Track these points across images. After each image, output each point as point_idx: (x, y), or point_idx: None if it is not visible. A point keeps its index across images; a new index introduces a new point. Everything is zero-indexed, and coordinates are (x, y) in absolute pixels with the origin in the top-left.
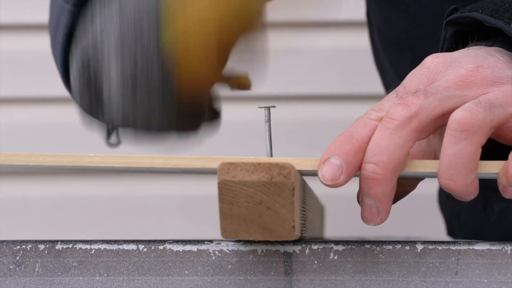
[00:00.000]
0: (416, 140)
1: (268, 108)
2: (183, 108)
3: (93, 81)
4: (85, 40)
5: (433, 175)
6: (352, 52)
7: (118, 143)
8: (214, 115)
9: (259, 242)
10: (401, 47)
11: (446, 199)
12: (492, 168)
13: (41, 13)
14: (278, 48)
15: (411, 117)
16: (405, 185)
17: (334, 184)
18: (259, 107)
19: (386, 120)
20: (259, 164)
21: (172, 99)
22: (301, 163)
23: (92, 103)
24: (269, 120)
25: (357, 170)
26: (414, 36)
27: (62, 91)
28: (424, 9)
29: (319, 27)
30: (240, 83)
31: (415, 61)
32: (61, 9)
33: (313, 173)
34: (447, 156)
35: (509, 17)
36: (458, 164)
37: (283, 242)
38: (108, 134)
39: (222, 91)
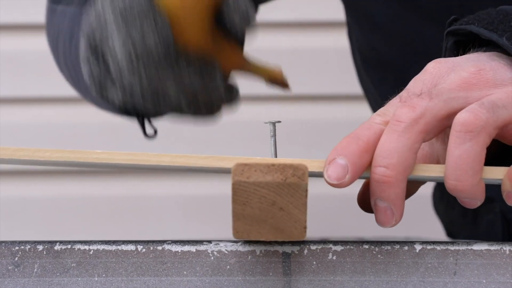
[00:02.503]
0: (422, 142)
1: (274, 124)
2: (189, 61)
3: (99, 50)
4: (90, 15)
5: (439, 179)
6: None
7: (155, 133)
8: (231, 91)
9: (257, 242)
10: (383, 69)
11: (439, 205)
12: (496, 173)
13: (41, 13)
14: (278, 48)
15: (418, 119)
16: (408, 189)
17: (339, 184)
18: (265, 123)
19: (393, 122)
20: (273, 165)
21: (170, 44)
22: (308, 165)
23: (101, 75)
24: (274, 135)
25: (362, 171)
26: (396, 60)
27: (62, 91)
28: (406, 34)
29: (319, 27)
30: (272, 76)
31: (397, 83)
32: (76, 18)
33: (320, 175)
34: (453, 157)
35: (503, 29)
36: (464, 165)
37: (282, 242)
38: (143, 127)
39: (257, 83)
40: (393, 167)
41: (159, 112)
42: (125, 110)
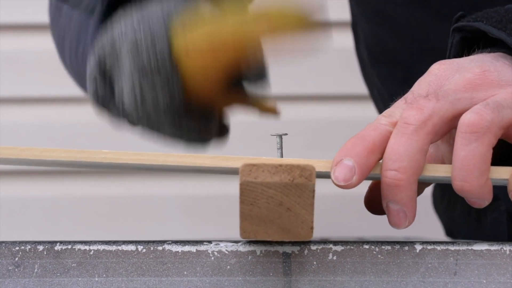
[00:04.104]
0: (430, 143)
1: (280, 136)
2: (190, 110)
3: (108, 74)
4: (104, 38)
5: (446, 179)
6: (352, 52)
7: None
8: (222, 131)
9: (258, 242)
10: (390, 65)
11: (440, 204)
12: (502, 173)
13: (41, 13)
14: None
15: (426, 120)
16: None
17: (347, 185)
18: (271, 135)
19: (401, 125)
20: (280, 165)
21: (178, 98)
22: (315, 165)
23: (106, 96)
24: (281, 147)
25: (369, 171)
26: (405, 56)
27: (62, 91)
28: (414, 30)
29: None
30: (265, 108)
31: (404, 79)
32: (83, 24)
33: (326, 175)
34: (459, 158)
35: None
36: (471, 165)
37: (282, 243)
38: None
39: (248, 114)
40: (404, 170)
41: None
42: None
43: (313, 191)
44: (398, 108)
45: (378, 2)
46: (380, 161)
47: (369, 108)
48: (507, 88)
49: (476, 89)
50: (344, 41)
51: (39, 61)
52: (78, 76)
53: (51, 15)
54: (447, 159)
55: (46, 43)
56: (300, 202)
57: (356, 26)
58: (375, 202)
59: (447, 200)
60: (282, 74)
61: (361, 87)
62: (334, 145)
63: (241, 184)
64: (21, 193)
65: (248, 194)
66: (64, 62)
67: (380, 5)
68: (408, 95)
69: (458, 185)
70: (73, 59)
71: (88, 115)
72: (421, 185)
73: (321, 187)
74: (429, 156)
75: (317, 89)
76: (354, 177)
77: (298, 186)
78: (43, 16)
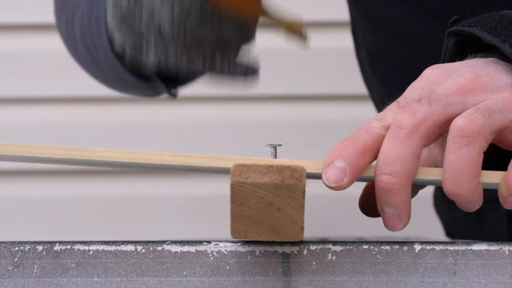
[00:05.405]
0: (423, 146)
1: (275, 147)
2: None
3: (132, 17)
4: None
5: (438, 182)
6: (351, 52)
7: (176, 94)
8: (246, 37)
9: (257, 242)
10: (390, 69)
11: (441, 204)
12: (493, 178)
13: (41, 13)
14: (278, 48)
15: (419, 125)
16: None
17: (338, 186)
18: (266, 145)
19: (394, 129)
20: (271, 166)
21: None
22: (306, 166)
23: (130, 7)
24: (275, 158)
25: (360, 173)
26: (404, 60)
27: (62, 91)
28: (415, 34)
29: (319, 27)
30: (292, 28)
31: (405, 83)
32: None
33: (317, 176)
34: (450, 162)
35: (506, 35)
36: (461, 169)
37: (281, 243)
38: (168, 88)
39: (276, 34)
40: (397, 174)
41: (190, 69)
42: (152, 73)
43: (304, 192)
44: (390, 112)
45: (378, 6)
46: (373, 163)
47: (368, 108)
48: (499, 94)
49: (468, 94)
50: (343, 41)
51: (39, 61)
52: (94, 53)
53: (57, 4)
54: (439, 162)
55: (46, 43)
56: (291, 202)
57: (356, 30)
58: (369, 205)
59: (448, 201)
60: (282, 74)
61: (360, 87)
62: (333, 146)
63: (232, 184)
64: (21, 193)
65: (239, 194)
66: (75, 46)
67: (380, 9)
68: (401, 99)
69: (449, 189)
70: (86, 33)
71: (88, 115)
72: (415, 188)
73: (320, 187)
74: (422, 159)
75: (316, 89)
76: (345, 178)
77: (288, 186)
78: (43, 16)
